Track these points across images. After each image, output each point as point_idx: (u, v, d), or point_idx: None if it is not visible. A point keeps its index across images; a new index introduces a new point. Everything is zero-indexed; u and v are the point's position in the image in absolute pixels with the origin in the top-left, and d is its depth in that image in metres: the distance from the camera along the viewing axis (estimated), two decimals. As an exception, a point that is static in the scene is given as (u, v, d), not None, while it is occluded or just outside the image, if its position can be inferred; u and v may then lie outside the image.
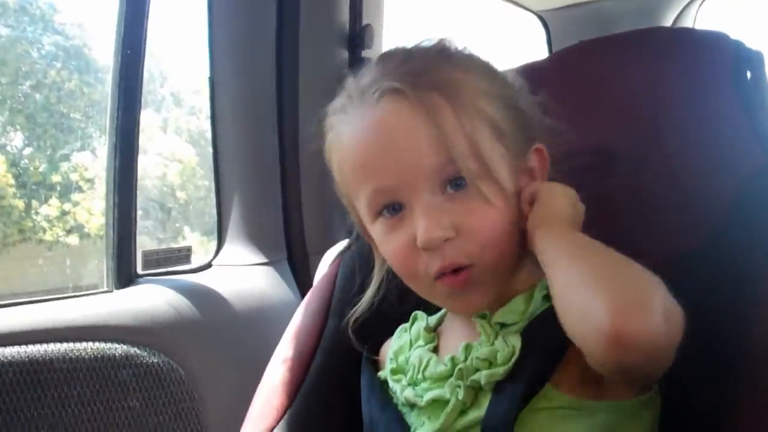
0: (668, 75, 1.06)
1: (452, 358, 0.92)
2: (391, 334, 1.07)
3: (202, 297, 1.65)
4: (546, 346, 0.86)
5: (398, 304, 1.05)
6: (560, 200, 0.92)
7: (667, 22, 2.34)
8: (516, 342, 0.87)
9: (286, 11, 1.86)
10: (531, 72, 1.22)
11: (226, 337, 1.64)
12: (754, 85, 1.04)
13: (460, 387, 0.88)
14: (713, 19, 2.43)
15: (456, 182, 0.88)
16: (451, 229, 0.87)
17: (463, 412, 0.88)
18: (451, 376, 0.90)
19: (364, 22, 1.96)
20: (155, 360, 1.47)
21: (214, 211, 1.88)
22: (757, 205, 0.96)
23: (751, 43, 1.06)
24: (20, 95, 1.91)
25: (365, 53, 1.97)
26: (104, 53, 1.85)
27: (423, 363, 0.95)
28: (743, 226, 0.95)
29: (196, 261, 1.84)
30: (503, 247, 0.90)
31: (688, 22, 2.38)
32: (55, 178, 2.01)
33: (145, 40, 1.60)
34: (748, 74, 1.05)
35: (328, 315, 1.18)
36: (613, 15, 2.29)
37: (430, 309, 1.03)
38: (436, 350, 0.99)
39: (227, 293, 1.70)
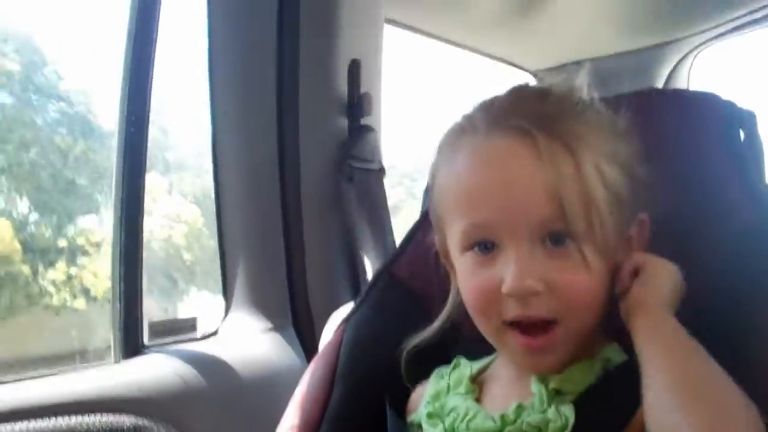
0: (662, 138, 1.07)
1: (502, 417, 0.90)
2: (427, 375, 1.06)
3: (209, 366, 1.64)
4: (600, 423, 0.85)
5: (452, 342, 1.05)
6: (665, 280, 0.89)
7: (662, 78, 2.36)
8: (569, 414, 0.86)
9: (285, 80, 1.89)
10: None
11: (233, 406, 1.64)
12: (747, 145, 1.05)
13: None
14: (706, 74, 2.46)
15: (557, 237, 0.86)
16: (542, 284, 0.85)
17: None
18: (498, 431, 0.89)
19: (362, 90, 1.99)
20: (163, 431, 1.46)
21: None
22: (750, 259, 0.97)
23: (744, 100, 1.06)
24: (26, 163, 1.93)
25: (364, 120, 2.00)
26: (108, 119, 1.88)
27: (469, 414, 0.93)
28: (738, 281, 0.96)
29: (203, 327, 1.84)
30: (591, 313, 0.88)
31: (681, 77, 2.41)
32: (61, 243, 2.02)
33: (149, 105, 1.62)
34: (742, 134, 1.05)
35: (334, 383, 1.18)
36: (608, 73, 2.31)
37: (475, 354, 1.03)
38: (477, 401, 0.97)
39: (233, 361, 1.69)
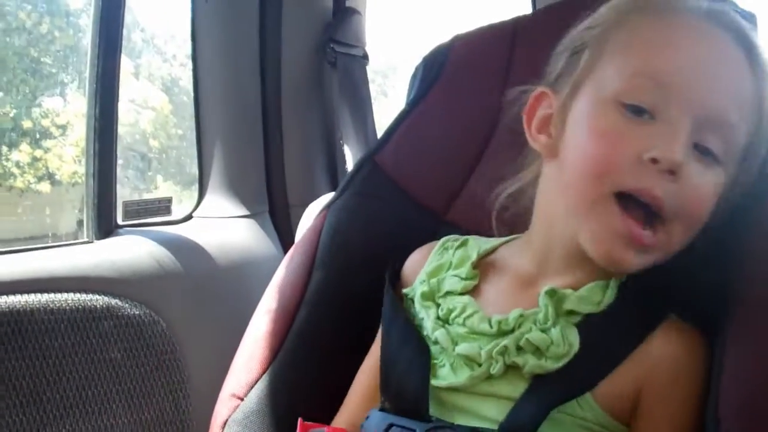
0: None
1: (500, 323, 0.88)
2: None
3: (184, 249, 1.63)
4: (603, 352, 0.84)
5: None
6: None
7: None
8: (574, 339, 0.84)
9: (269, -42, 1.83)
10: (517, 27, 1.21)
11: (208, 289, 1.64)
12: None
13: (497, 362, 0.85)
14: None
15: (707, 150, 0.85)
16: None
17: (489, 377, 0.86)
18: (492, 339, 0.87)
19: (350, -30, 1.93)
20: (136, 311, 1.46)
21: (187, 160, 1.86)
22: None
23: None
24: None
25: (349, 2, 1.95)
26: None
27: (465, 311, 0.91)
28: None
29: (176, 212, 1.82)
30: (693, 230, 0.86)
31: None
32: (26, 124, 1.97)
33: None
34: None
35: (313, 268, 1.17)
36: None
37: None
38: (475, 289, 0.95)
39: (208, 245, 1.68)
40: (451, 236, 1.04)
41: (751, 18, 0.96)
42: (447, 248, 1.02)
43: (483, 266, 0.98)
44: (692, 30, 0.88)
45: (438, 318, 0.93)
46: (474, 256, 0.98)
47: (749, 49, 0.88)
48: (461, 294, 0.94)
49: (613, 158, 0.84)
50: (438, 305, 0.94)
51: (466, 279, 0.96)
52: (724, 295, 0.88)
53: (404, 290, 1.01)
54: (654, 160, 0.82)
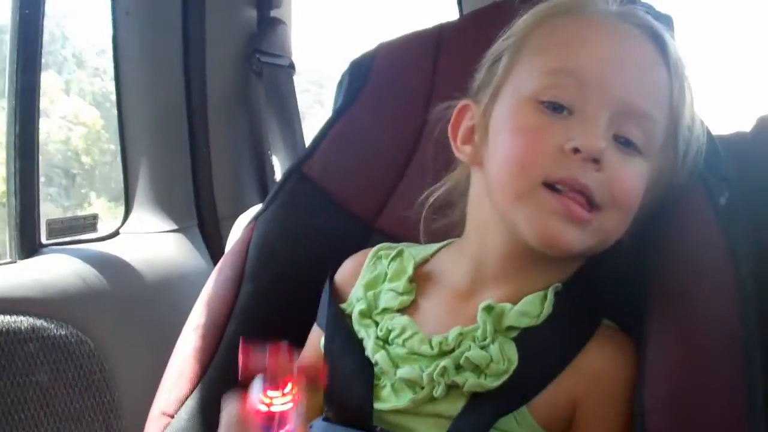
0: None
1: (440, 344, 0.87)
2: None
3: (110, 266, 1.61)
4: (541, 366, 0.84)
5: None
6: None
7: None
8: (513, 355, 0.84)
9: (192, -32, 1.82)
10: (441, 35, 1.22)
11: (136, 307, 1.61)
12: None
13: (439, 384, 0.85)
14: None
15: (628, 141, 0.87)
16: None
17: (431, 399, 0.85)
18: (433, 360, 0.86)
19: (273, -20, 1.93)
20: (63, 332, 1.43)
21: (121, 175, 1.83)
22: None
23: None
24: None
25: (274, 12, 1.94)
26: (2, 12, 1.78)
27: (405, 333, 0.90)
28: None
29: (104, 229, 1.79)
30: (625, 222, 0.88)
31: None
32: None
33: (44, -1, 1.53)
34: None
35: (242, 281, 1.15)
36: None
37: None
38: (412, 304, 0.94)
39: (136, 262, 1.66)
40: (384, 244, 1.04)
41: (666, 19, 0.98)
42: (380, 257, 1.01)
43: (419, 278, 0.97)
44: (603, 28, 0.91)
45: (377, 338, 0.92)
46: (410, 269, 0.97)
47: (660, 43, 0.91)
48: (399, 310, 0.94)
49: (536, 151, 0.86)
50: (376, 323, 0.93)
51: (402, 294, 0.95)
52: (648, 289, 0.90)
53: (341, 305, 0.99)
54: (575, 150, 0.83)
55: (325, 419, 0.91)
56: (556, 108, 0.87)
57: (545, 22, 0.93)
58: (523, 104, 0.89)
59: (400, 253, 1.00)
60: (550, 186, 0.84)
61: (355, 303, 0.97)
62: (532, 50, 0.92)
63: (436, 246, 1.02)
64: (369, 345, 0.92)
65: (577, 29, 0.91)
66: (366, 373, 0.90)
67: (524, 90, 0.89)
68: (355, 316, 0.96)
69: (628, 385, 0.85)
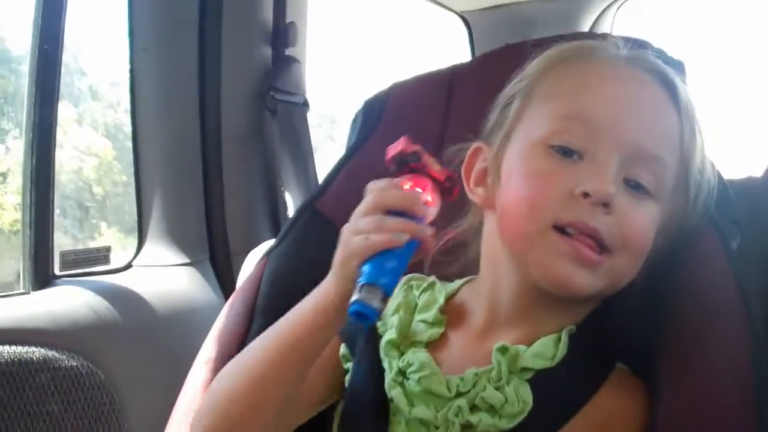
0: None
1: (457, 386, 0.87)
2: None
3: (122, 298, 1.62)
4: (555, 409, 0.85)
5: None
6: None
7: (586, 26, 2.38)
8: (528, 397, 0.85)
9: (209, 7, 1.84)
10: (454, 77, 1.23)
11: (147, 340, 1.62)
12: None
13: (454, 424, 0.85)
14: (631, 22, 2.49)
15: (638, 185, 0.88)
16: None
17: None
18: (448, 401, 0.87)
19: (288, 19, 1.95)
20: (74, 363, 1.43)
21: (132, 207, 1.85)
22: None
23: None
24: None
25: (289, 51, 1.96)
26: (18, 43, 1.81)
27: (423, 370, 0.90)
28: None
29: (116, 260, 1.80)
30: (636, 265, 0.89)
31: (604, 29, 2.43)
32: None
33: (63, 32, 1.55)
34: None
35: (254, 316, 1.16)
36: (534, 17, 2.31)
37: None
38: (441, 337, 0.94)
39: (148, 295, 1.67)
40: (415, 275, 1.03)
41: (677, 65, 1.00)
42: (411, 287, 1.02)
43: (449, 310, 0.98)
44: (613, 72, 0.92)
45: (398, 371, 0.92)
46: (441, 300, 0.98)
47: (671, 87, 0.92)
48: (427, 344, 0.94)
49: (546, 194, 0.86)
50: (402, 354, 0.94)
51: (433, 325, 0.95)
52: (660, 332, 0.90)
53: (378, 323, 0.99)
54: (585, 194, 0.84)
55: None
56: (566, 152, 0.88)
57: (556, 66, 0.94)
58: (533, 148, 0.90)
59: (431, 285, 1.01)
60: (560, 229, 0.85)
61: (388, 328, 0.97)
62: (543, 94, 0.93)
63: (459, 282, 1.02)
64: (388, 379, 0.92)
65: (587, 74, 0.93)
66: (382, 409, 0.91)
67: (535, 134, 0.90)
68: (383, 344, 0.96)
69: (640, 430, 0.85)
